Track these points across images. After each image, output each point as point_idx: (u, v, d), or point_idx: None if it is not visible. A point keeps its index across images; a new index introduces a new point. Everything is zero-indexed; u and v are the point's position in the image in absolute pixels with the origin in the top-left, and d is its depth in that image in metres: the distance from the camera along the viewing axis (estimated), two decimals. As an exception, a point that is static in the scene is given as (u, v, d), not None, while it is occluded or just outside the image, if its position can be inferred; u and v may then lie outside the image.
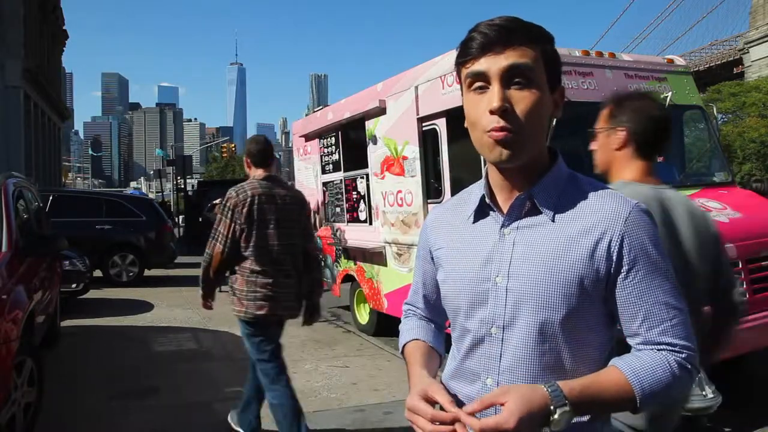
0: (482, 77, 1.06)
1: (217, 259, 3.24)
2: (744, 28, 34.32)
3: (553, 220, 1.10)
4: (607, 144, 1.93)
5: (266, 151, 3.45)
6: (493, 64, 1.04)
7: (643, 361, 1.05)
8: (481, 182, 1.19)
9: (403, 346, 1.30)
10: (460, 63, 1.10)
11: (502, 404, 0.97)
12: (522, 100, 1.04)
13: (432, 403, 1.04)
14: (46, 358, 4.50)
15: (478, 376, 1.12)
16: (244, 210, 3.22)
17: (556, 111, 1.12)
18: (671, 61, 5.65)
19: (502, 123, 1.03)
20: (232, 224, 3.21)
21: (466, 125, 1.13)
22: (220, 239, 3.23)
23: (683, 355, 1.06)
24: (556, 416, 0.96)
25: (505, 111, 1.03)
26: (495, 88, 1.04)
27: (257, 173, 3.41)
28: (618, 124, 1.91)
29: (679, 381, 1.05)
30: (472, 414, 0.98)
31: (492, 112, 1.03)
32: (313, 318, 3.63)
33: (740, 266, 3.99)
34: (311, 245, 3.58)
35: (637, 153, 1.91)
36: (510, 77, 1.04)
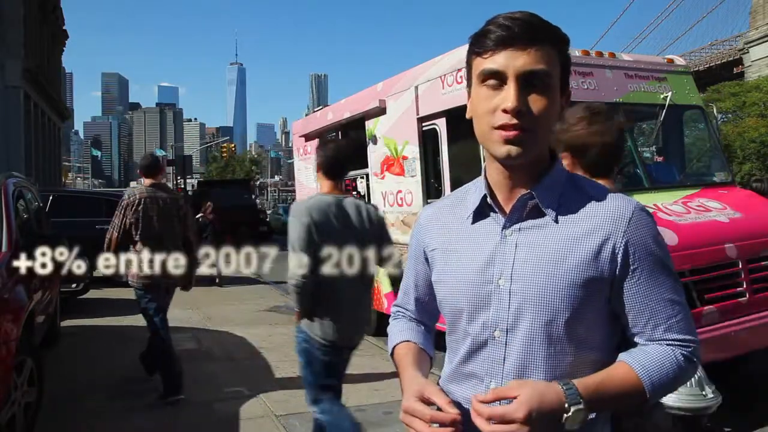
0: (498, 75, 1.03)
1: (114, 243, 4.37)
2: (744, 28, 34.30)
3: (556, 221, 1.09)
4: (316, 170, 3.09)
5: (151, 166, 4.70)
6: (512, 61, 1.02)
7: (652, 356, 1.06)
8: (477, 181, 1.17)
9: (393, 348, 1.28)
10: (476, 52, 1.07)
11: (514, 397, 0.97)
12: (536, 102, 1.03)
13: (429, 404, 1.03)
14: (46, 358, 4.50)
15: (481, 379, 1.11)
16: (134, 208, 4.38)
17: (562, 113, 1.11)
18: (671, 61, 5.65)
19: (514, 121, 1.02)
20: (124, 218, 4.36)
21: (468, 116, 1.11)
22: (115, 228, 4.39)
23: (689, 349, 1.08)
24: (570, 414, 0.97)
25: (519, 112, 1.02)
26: (512, 88, 1.02)
27: (146, 182, 4.64)
28: (316, 158, 3.02)
29: (685, 373, 1.08)
30: (484, 403, 0.99)
31: (506, 111, 1.02)
32: (187, 287, 4.82)
33: (740, 266, 4.00)
34: (189, 232, 4.72)
35: (325, 176, 2.99)
36: (528, 80, 1.03)
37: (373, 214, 3.02)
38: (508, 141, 1.03)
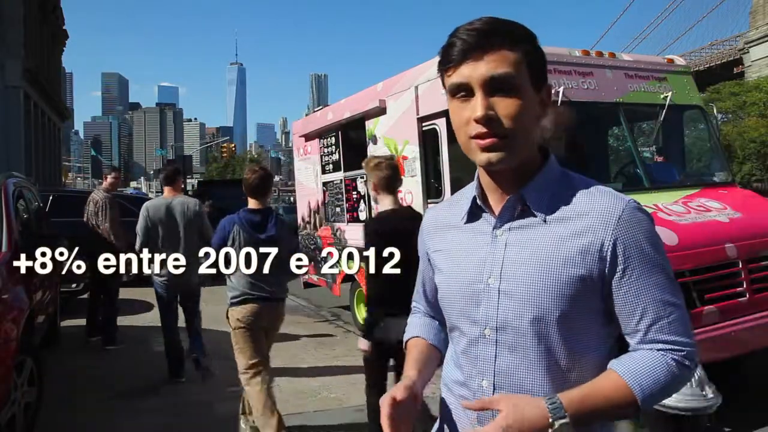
0: (464, 87, 1.05)
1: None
2: (744, 28, 34.32)
3: (545, 221, 1.09)
4: None
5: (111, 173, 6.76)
6: (473, 71, 1.03)
7: (642, 363, 1.04)
8: (474, 184, 1.19)
9: (406, 342, 1.33)
10: (442, 70, 1.10)
11: (500, 410, 0.99)
12: (506, 106, 1.03)
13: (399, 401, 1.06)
14: (46, 358, 4.50)
15: (473, 377, 1.12)
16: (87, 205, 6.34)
17: (544, 110, 1.10)
18: (671, 61, 5.65)
19: (485, 129, 1.03)
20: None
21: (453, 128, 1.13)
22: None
23: (682, 353, 1.06)
24: (555, 428, 0.97)
25: (489, 119, 1.02)
26: (478, 97, 1.04)
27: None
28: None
29: (677, 379, 1.06)
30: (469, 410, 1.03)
31: (476, 121, 1.03)
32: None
33: (740, 266, 3.99)
34: (110, 223, 6.24)
35: (165, 184, 5.16)
36: (492, 85, 1.03)
37: (192, 209, 4.95)
38: (484, 149, 1.04)
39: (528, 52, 1.07)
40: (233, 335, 3.61)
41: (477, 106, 1.03)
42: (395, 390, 1.08)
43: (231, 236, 3.54)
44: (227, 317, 3.65)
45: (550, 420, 0.97)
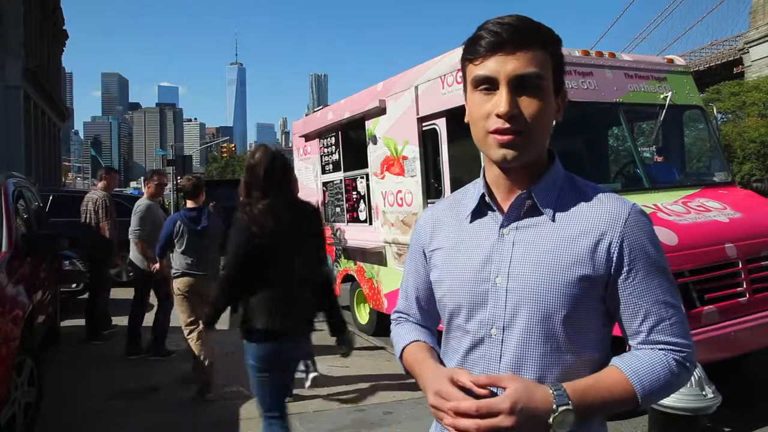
0: (489, 80, 1.04)
1: None
2: (744, 28, 34.32)
3: (553, 220, 1.09)
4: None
5: (105, 170, 6.93)
6: (502, 66, 1.03)
7: (643, 361, 1.06)
8: (477, 182, 1.18)
9: (403, 349, 1.27)
10: (468, 59, 1.08)
11: (506, 388, 0.99)
12: (529, 106, 1.03)
13: (461, 388, 1.03)
14: (46, 358, 4.49)
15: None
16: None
17: (558, 114, 1.11)
18: (671, 61, 5.64)
19: (507, 125, 1.03)
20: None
21: (466, 120, 1.12)
22: None
23: (683, 354, 1.08)
24: (557, 414, 0.97)
25: (511, 116, 1.02)
26: (503, 93, 1.03)
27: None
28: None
29: (677, 378, 1.07)
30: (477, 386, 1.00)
31: (499, 116, 1.03)
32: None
33: (740, 266, 3.99)
34: (110, 222, 6.51)
35: (146, 183, 6.14)
36: (519, 83, 1.03)
37: (134, 209, 5.72)
38: (503, 145, 1.04)
39: (556, 56, 1.08)
40: (175, 299, 4.73)
41: (502, 101, 1.02)
42: (454, 377, 1.04)
43: (175, 229, 4.60)
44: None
45: (554, 406, 0.98)
